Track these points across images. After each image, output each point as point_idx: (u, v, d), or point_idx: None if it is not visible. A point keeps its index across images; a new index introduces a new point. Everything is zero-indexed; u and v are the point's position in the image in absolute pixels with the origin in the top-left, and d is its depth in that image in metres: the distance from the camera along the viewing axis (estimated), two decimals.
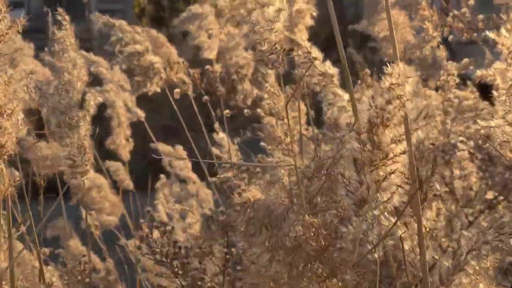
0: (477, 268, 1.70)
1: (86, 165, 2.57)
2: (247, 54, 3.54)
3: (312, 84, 2.31)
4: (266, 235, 1.81)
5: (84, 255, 3.47)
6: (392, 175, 1.55)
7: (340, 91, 2.27)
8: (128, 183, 4.14)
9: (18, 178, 2.01)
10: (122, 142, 3.89)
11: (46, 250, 3.37)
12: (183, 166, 4.08)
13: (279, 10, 1.87)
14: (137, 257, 3.51)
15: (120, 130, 3.93)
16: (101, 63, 3.90)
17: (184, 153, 4.16)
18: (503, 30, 1.67)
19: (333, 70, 2.29)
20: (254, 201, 1.86)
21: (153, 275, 3.56)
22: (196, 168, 4.00)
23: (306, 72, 2.15)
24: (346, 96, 2.28)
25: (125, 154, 3.97)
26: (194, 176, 4.03)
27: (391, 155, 1.55)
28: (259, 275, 1.82)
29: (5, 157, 1.91)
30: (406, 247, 1.81)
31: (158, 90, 3.64)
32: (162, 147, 4.17)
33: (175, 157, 4.07)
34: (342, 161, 1.69)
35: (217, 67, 3.78)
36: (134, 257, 3.64)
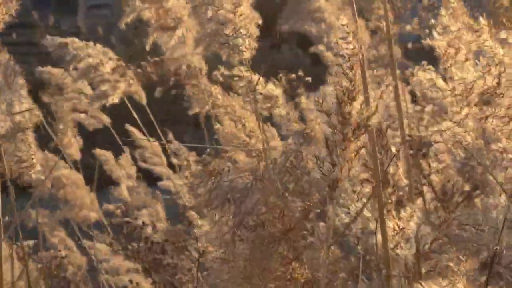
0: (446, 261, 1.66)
1: (33, 159, 2.52)
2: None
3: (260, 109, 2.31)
4: (229, 212, 1.77)
5: (60, 250, 3.43)
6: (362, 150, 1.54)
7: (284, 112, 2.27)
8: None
9: None
10: (71, 141, 3.80)
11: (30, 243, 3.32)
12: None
13: None
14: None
15: (66, 131, 3.83)
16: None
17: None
18: (435, 33, 1.65)
19: (277, 92, 2.30)
20: (218, 172, 1.82)
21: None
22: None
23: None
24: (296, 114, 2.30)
25: (75, 153, 3.89)
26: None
27: (362, 124, 1.53)
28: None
29: None
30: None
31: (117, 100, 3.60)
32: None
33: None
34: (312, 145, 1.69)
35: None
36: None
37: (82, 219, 3.55)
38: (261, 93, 2.32)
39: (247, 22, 1.88)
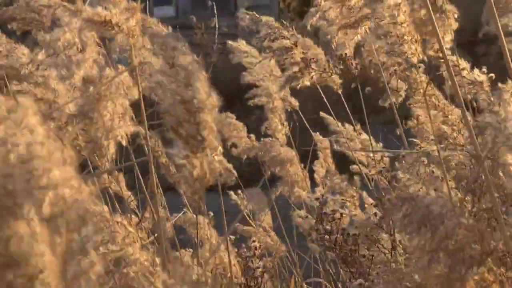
0: None
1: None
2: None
3: (464, 94, 2.30)
4: (425, 236, 1.79)
5: (254, 240, 3.54)
6: None
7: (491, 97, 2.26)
8: None
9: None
10: (278, 127, 3.90)
11: None
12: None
13: (399, 4, 1.90)
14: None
15: (275, 115, 3.94)
16: (252, 53, 3.91)
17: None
18: None
19: (482, 77, 2.29)
20: (412, 197, 1.85)
21: None
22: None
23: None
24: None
25: (282, 137, 3.97)
26: None
27: None
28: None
29: None
30: None
31: (308, 83, 3.65)
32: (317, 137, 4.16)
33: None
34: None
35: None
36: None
37: (295, 197, 3.63)
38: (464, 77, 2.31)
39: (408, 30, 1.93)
